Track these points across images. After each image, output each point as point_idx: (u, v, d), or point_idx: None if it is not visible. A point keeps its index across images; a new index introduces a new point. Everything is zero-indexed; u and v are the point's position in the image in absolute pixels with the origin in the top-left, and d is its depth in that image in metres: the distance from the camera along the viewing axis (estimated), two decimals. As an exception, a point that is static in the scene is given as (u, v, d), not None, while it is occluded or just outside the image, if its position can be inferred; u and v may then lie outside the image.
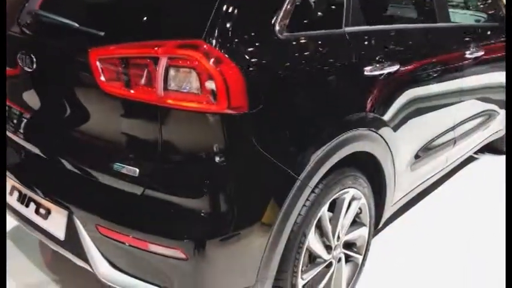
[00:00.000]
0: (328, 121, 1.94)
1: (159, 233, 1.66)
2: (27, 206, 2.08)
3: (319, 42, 1.96)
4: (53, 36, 1.91)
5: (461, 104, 3.02)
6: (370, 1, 2.37)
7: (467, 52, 2.95)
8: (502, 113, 3.72)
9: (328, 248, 2.11)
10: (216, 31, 1.63)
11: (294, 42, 1.85)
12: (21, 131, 2.14)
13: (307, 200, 1.87)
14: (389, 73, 2.22)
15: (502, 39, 3.44)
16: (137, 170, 1.71)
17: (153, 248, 1.67)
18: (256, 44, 1.72)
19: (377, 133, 2.17)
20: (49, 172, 1.99)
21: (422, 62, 2.52)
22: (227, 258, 1.68)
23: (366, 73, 2.11)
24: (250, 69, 1.65)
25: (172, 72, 1.60)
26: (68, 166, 1.91)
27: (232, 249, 1.68)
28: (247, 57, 1.66)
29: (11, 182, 2.17)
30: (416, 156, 2.65)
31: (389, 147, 2.27)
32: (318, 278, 2.12)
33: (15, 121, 2.18)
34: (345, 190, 2.09)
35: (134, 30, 1.73)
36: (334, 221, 2.10)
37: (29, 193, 2.06)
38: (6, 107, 2.23)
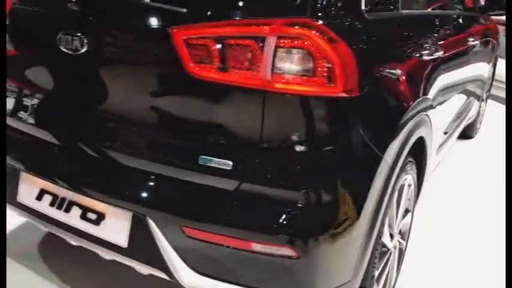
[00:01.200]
0: (407, 104, 1.89)
1: (266, 230, 1.51)
2: (66, 211, 1.81)
3: (395, 24, 1.90)
4: (115, 15, 1.66)
5: (465, 88, 3.13)
6: None
7: (471, 38, 3.07)
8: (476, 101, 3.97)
9: (391, 237, 2.06)
10: (320, 9, 1.50)
11: (376, 23, 1.77)
12: (58, 125, 1.85)
13: (391, 188, 1.80)
14: (435, 55, 2.23)
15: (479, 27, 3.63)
16: (230, 163, 1.54)
17: (258, 247, 1.52)
18: (355, 24, 1.62)
19: (428, 117, 2.16)
20: (104, 171, 1.74)
21: (453, 46, 2.58)
22: (333, 253, 1.58)
23: (424, 56, 2.10)
24: (355, 48, 1.55)
25: (280, 53, 1.45)
26: (135, 163, 1.68)
27: (339, 243, 1.57)
28: (350, 37, 1.55)
29: (38, 184, 1.88)
30: (442, 139, 2.70)
31: (432, 132, 2.28)
32: (381, 268, 2.07)
33: (45, 113, 1.89)
34: (405, 176, 2.05)
35: (221, 7, 1.55)
36: (396, 209, 2.05)
37: (70, 196, 1.80)
38: (27, 96, 1.93)
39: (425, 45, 2.16)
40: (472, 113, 4.03)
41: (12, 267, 2.28)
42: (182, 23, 1.53)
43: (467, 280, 2.53)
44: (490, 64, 4.24)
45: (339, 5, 1.59)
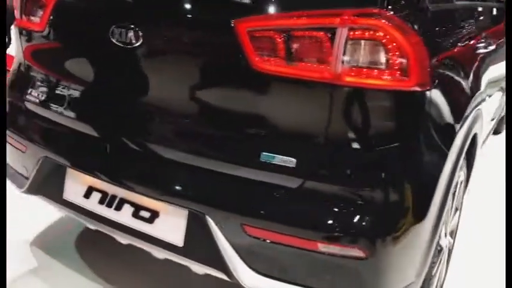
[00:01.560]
0: (468, 98, 1.82)
1: (333, 230, 1.46)
2: (117, 209, 1.77)
3: (453, 15, 1.84)
4: (173, 6, 1.60)
5: (500, 82, 3.05)
6: None
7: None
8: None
9: (444, 235, 2.00)
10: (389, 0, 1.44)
11: (438, 14, 1.71)
12: (109, 120, 1.80)
13: (453, 186, 1.74)
14: (487, 48, 2.16)
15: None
16: (294, 160, 1.48)
17: (324, 248, 1.46)
18: (421, 15, 1.55)
19: (481, 111, 2.10)
20: (159, 169, 1.68)
21: (495, 37, 2.52)
22: (400, 253, 1.52)
23: (478, 49, 2.04)
24: (424, 40, 1.48)
25: (351, 45, 1.39)
26: (192, 160, 1.62)
27: (406, 243, 1.51)
28: (419, 28, 1.49)
29: (86, 181, 1.83)
30: (485, 134, 2.64)
31: (482, 127, 2.22)
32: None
33: (94, 108, 1.83)
34: (460, 173, 1.99)
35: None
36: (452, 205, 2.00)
37: (122, 194, 1.75)
38: (75, 91, 1.89)
39: (478, 37, 2.10)
40: (502, 109, 3.95)
41: (50, 265, 2.26)
42: (246, 14, 1.47)
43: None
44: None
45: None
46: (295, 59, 1.43)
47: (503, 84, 3.40)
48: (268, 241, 1.51)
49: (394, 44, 1.37)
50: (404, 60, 1.39)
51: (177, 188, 1.64)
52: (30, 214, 2.49)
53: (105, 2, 1.72)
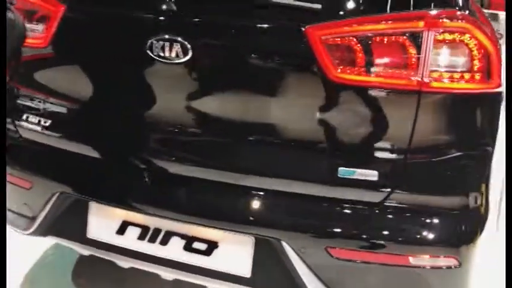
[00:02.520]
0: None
1: (425, 242, 1.40)
2: (163, 243, 1.58)
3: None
4: (230, 13, 1.43)
5: None
6: None
7: None
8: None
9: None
10: (461, 2, 1.40)
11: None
12: (143, 144, 1.60)
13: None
14: None
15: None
16: (376, 173, 1.40)
17: (416, 261, 1.40)
18: (479, 18, 1.54)
19: None
20: (215, 194, 1.52)
21: None
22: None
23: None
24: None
25: (438, 49, 1.33)
26: (257, 182, 1.48)
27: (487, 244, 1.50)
28: (487, 31, 1.46)
29: (118, 215, 1.63)
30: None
31: None
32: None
33: (120, 131, 1.62)
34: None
35: (362, 2, 1.39)
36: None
37: (167, 226, 1.57)
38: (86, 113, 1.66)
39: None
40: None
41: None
42: (318, 20, 1.35)
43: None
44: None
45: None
46: (375, 67, 1.34)
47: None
48: (355, 262, 1.42)
49: (481, 47, 1.33)
50: (487, 62, 1.35)
51: (243, 214, 1.49)
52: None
53: (140, 11, 1.50)
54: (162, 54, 1.45)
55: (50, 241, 2.18)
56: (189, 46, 1.42)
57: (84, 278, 2.20)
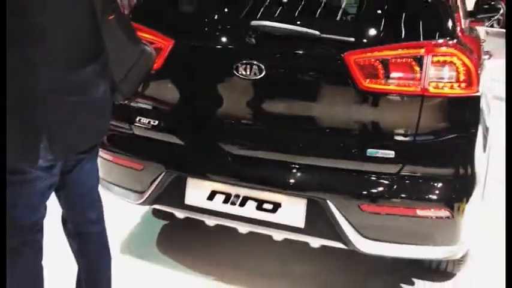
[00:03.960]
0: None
1: (430, 199, 2.03)
2: (241, 205, 2.23)
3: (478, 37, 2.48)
4: (292, 45, 2.11)
5: None
6: None
7: None
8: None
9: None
10: (447, 33, 2.05)
11: (469, 39, 2.35)
12: (230, 134, 2.26)
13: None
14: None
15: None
16: (393, 152, 2.04)
17: (422, 212, 2.03)
18: (462, 41, 2.17)
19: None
20: (282, 170, 2.16)
21: None
22: (472, 211, 2.10)
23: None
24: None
25: (434, 66, 1.97)
26: (312, 161, 2.13)
27: (476, 203, 2.11)
28: (467, 51, 2.10)
29: (210, 187, 2.28)
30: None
31: None
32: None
33: (214, 126, 2.29)
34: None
35: (379, 35, 2.05)
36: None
37: (244, 192, 2.21)
38: (189, 115, 2.33)
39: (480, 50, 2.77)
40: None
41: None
42: (352, 48, 2.01)
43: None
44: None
45: (449, 29, 2.12)
46: (392, 79, 1.99)
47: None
48: (379, 214, 2.05)
49: (463, 64, 1.97)
50: (468, 75, 1.99)
51: (299, 182, 2.14)
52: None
53: (230, 44, 2.19)
54: (244, 73, 2.12)
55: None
56: (263, 67, 2.10)
57: (164, 245, 2.85)
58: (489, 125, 2.48)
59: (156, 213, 3.09)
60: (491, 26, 10.65)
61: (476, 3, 3.96)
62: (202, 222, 2.35)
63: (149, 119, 2.41)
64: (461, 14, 2.47)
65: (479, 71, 2.12)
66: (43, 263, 1.86)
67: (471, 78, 2.00)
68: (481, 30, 4.13)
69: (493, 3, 4.18)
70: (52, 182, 1.79)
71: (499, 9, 4.29)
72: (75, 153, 1.83)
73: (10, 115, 1.58)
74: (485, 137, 2.21)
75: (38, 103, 1.60)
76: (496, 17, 9.23)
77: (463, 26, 2.31)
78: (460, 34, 2.13)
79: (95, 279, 2.05)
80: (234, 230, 2.31)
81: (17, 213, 1.75)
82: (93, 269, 2.07)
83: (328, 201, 2.07)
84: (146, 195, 2.39)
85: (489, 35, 8.49)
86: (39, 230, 1.84)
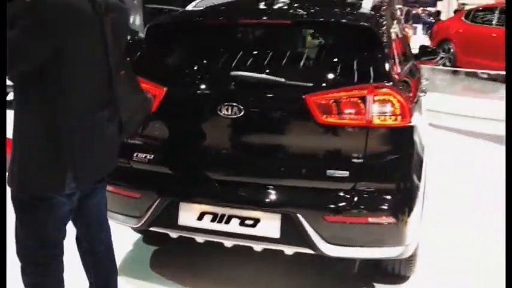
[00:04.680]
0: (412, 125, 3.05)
1: (376, 210, 2.55)
2: (227, 223, 2.69)
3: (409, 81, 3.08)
4: (265, 90, 2.64)
5: None
6: None
7: None
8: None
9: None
10: (385, 77, 2.63)
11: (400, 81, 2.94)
12: (218, 165, 2.75)
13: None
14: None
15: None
16: (347, 173, 2.57)
17: (372, 220, 2.54)
18: (397, 82, 2.76)
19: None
20: (257, 191, 2.65)
21: None
22: (413, 218, 2.64)
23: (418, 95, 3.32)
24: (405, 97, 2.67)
25: (375, 104, 2.54)
26: (283, 182, 2.63)
27: (415, 211, 2.65)
28: (404, 91, 2.69)
29: (199, 209, 2.74)
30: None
31: None
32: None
33: (203, 157, 2.77)
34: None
35: (333, 80, 2.62)
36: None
37: (229, 212, 2.69)
38: (180, 149, 2.82)
39: (416, 87, 3.38)
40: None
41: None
42: (312, 91, 2.56)
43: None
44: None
45: (391, 71, 2.71)
46: (343, 114, 2.54)
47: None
48: (339, 223, 2.56)
49: (398, 101, 2.54)
50: (402, 110, 2.56)
51: (273, 201, 2.63)
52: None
53: (214, 90, 2.71)
54: (226, 113, 2.64)
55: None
56: (242, 107, 2.62)
57: (160, 266, 3.27)
58: (424, 144, 3.05)
59: (147, 239, 3.50)
60: (444, 64, 11.73)
61: (420, 48, 4.68)
62: (190, 245, 2.78)
63: (145, 154, 2.87)
64: (397, 61, 3.08)
65: (411, 106, 2.70)
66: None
67: (404, 112, 2.57)
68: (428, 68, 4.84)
69: (434, 48, 4.95)
70: (72, 206, 2.22)
71: (439, 52, 5.05)
72: (94, 183, 2.27)
73: (40, 146, 2.01)
74: (420, 156, 2.77)
75: (66, 138, 2.02)
76: (445, 57, 10.47)
77: (399, 71, 2.90)
78: (396, 77, 2.71)
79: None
80: (220, 251, 2.75)
81: (45, 233, 2.17)
82: (103, 281, 2.48)
83: (298, 215, 2.56)
84: (144, 220, 2.83)
85: (435, 72, 9.46)
86: (61, 246, 2.25)
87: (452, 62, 11.15)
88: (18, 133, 2.03)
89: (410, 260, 2.93)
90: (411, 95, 2.87)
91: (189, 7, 3.45)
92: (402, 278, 3.15)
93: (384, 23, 2.98)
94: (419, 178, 2.72)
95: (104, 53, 2.10)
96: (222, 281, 3.11)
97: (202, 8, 3.26)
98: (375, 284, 3.10)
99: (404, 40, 4.57)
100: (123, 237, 3.27)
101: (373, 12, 2.98)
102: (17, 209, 2.12)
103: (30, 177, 2.06)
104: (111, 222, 2.83)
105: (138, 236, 3.50)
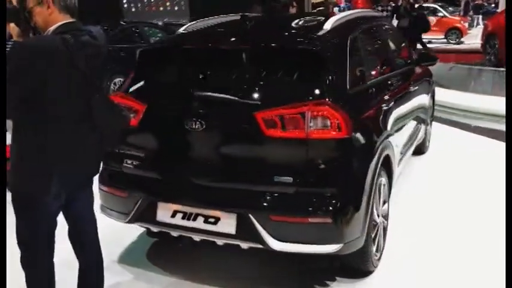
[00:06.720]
0: (377, 136, 3.38)
1: (315, 211, 2.92)
2: (194, 220, 3.16)
3: (369, 91, 3.41)
4: (221, 107, 3.08)
5: (412, 117, 4.71)
6: None
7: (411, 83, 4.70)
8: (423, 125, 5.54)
9: (377, 216, 3.49)
10: (328, 94, 2.98)
11: (355, 95, 3.27)
12: (182, 173, 3.22)
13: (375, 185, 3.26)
14: (391, 103, 3.76)
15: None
16: (291, 179, 2.95)
17: (311, 220, 2.91)
18: (345, 97, 3.10)
19: (390, 142, 3.65)
20: (217, 194, 3.10)
21: (401, 92, 4.27)
22: (351, 220, 2.98)
23: (384, 106, 3.66)
24: (347, 111, 3.01)
25: (314, 119, 2.90)
26: (237, 186, 3.06)
27: (353, 214, 2.99)
28: (344, 105, 3.02)
29: (172, 208, 3.22)
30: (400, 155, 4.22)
31: (393, 151, 3.76)
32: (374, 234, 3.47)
33: (171, 165, 3.26)
34: (381, 179, 3.50)
35: (275, 98, 3.01)
36: (378, 198, 3.50)
37: (196, 211, 3.15)
38: (156, 158, 3.31)
39: (385, 98, 3.68)
40: (421, 135, 5.57)
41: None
42: (260, 109, 2.96)
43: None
44: (429, 95, 5.78)
45: (335, 88, 3.06)
46: (285, 128, 2.93)
47: (421, 114, 5.08)
48: (284, 222, 2.95)
49: (334, 117, 2.89)
50: (339, 124, 2.91)
51: (231, 202, 3.07)
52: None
53: (182, 107, 3.18)
54: (192, 126, 3.10)
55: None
56: (203, 122, 3.07)
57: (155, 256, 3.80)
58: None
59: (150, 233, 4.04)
60: (489, 60, 11.43)
61: (418, 54, 5.01)
62: (187, 240, 3.28)
63: (132, 160, 3.40)
64: (358, 74, 3.39)
65: (358, 118, 3.04)
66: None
67: (341, 126, 2.91)
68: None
69: (433, 55, 5.21)
70: (60, 203, 2.76)
71: (437, 58, 5.28)
72: (78, 186, 2.80)
73: (30, 155, 2.57)
74: (359, 164, 3.10)
75: (51, 147, 2.55)
76: (490, 53, 10.47)
77: (355, 85, 3.25)
78: (349, 92, 3.09)
79: (93, 270, 3.00)
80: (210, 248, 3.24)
81: (38, 228, 2.72)
82: (91, 264, 3.01)
83: (250, 215, 2.99)
84: (130, 216, 3.35)
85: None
86: (53, 236, 2.80)
87: (497, 59, 10.58)
88: (13, 142, 2.59)
89: (363, 256, 3.26)
90: (371, 105, 3.22)
91: (180, 30, 3.96)
92: (365, 273, 3.49)
93: (338, 42, 3.31)
94: (360, 184, 3.05)
95: (80, 79, 2.61)
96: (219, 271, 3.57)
97: (184, 32, 3.75)
98: (337, 277, 3.46)
99: (395, 50, 4.84)
100: (124, 229, 3.79)
101: (327, 35, 3.32)
102: (14, 207, 2.69)
103: (23, 181, 2.62)
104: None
105: (139, 229, 4.02)
